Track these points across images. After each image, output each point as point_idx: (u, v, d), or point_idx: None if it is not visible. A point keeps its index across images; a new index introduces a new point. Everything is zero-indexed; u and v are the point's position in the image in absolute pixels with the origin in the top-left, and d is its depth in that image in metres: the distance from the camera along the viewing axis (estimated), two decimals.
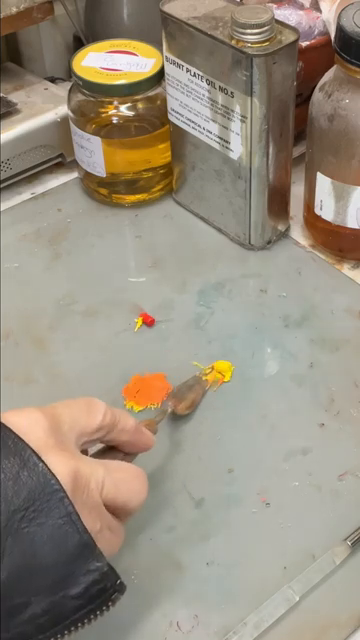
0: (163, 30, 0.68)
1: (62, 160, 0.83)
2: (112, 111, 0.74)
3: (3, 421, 0.41)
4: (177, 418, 0.59)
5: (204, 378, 0.62)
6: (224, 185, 0.72)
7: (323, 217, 0.70)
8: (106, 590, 0.40)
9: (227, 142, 0.68)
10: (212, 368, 0.62)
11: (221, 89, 0.65)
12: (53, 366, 0.64)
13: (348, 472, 0.56)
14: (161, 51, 0.70)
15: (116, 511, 0.43)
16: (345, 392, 0.61)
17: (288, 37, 0.63)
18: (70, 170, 0.83)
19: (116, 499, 0.43)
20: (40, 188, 0.82)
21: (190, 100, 0.69)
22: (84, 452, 0.47)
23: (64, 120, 0.79)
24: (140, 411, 0.60)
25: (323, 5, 0.73)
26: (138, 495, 0.44)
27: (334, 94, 0.65)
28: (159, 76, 0.73)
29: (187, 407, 0.59)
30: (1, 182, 0.80)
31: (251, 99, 0.64)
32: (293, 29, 0.64)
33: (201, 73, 0.66)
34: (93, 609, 0.40)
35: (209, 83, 0.66)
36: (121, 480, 0.43)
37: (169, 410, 0.57)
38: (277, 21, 0.64)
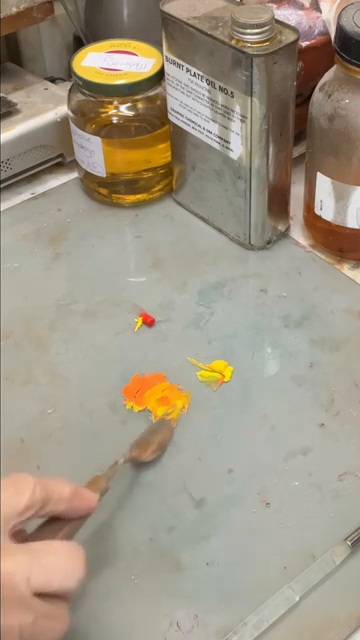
0: (163, 30, 0.68)
1: (62, 160, 0.83)
2: (112, 111, 0.74)
3: None
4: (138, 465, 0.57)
5: (168, 418, 0.59)
6: (224, 185, 0.72)
7: (323, 217, 0.70)
8: None
9: (227, 142, 0.68)
10: (174, 406, 0.60)
11: (221, 89, 0.65)
12: (53, 366, 0.64)
13: (348, 472, 0.56)
14: (161, 51, 0.70)
15: (53, 595, 0.41)
16: (345, 392, 0.61)
17: (288, 37, 0.63)
18: (70, 170, 0.83)
19: (48, 586, 0.40)
20: (40, 188, 0.82)
21: (190, 100, 0.69)
22: (20, 532, 0.44)
23: (64, 120, 0.79)
24: (140, 411, 0.60)
25: (323, 5, 0.73)
26: (72, 577, 0.41)
27: (334, 94, 0.65)
28: (159, 76, 0.73)
29: (154, 451, 0.57)
30: (1, 182, 0.80)
31: (251, 99, 0.64)
32: (293, 29, 0.64)
33: (201, 73, 0.66)
34: None
35: (209, 83, 0.66)
36: (50, 566, 0.41)
37: (121, 461, 0.53)
38: (277, 21, 0.64)
